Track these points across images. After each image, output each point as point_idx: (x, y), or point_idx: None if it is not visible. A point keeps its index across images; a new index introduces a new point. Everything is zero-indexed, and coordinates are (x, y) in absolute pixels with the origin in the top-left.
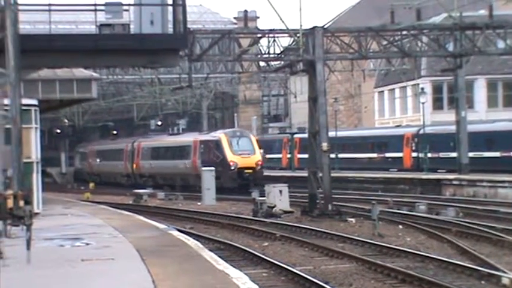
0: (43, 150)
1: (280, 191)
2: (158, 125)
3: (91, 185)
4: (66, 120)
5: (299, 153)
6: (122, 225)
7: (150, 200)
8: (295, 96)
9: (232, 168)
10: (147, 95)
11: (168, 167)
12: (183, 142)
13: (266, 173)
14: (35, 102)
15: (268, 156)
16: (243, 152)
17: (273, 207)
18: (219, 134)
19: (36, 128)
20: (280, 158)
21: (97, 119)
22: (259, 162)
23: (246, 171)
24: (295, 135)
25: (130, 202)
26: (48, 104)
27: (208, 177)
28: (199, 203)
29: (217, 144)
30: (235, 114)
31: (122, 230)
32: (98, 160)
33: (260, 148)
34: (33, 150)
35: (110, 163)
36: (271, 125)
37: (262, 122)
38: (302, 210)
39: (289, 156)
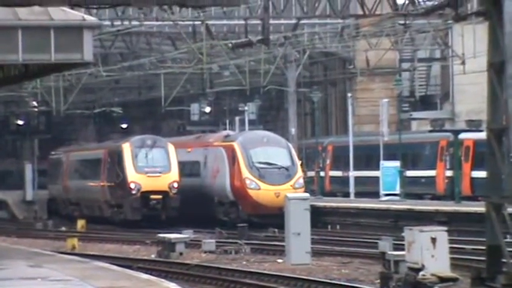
0: None
1: (434, 240)
2: (205, 113)
3: (79, 223)
4: (35, 103)
5: (472, 168)
6: None
7: (190, 253)
8: (463, 63)
9: (134, 192)
10: (185, 58)
11: (85, 189)
12: (95, 153)
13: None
14: None
15: (409, 173)
16: (150, 170)
17: (419, 269)
18: (123, 143)
19: None
20: (432, 178)
21: (92, 101)
22: (175, 185)
23: (153, 196)
24: (463, 135)
25: (153, 256)
26: (3, 73)
27: (298, 211)
28: (280, 260)
29: (119, 157)
30: (349, 95)
31: None
32: (49, 178)
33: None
34: None
35: (54, 182)
36: (415, 114)
37: (400, 110)
38: (474, 276)
39: (449, 173)
